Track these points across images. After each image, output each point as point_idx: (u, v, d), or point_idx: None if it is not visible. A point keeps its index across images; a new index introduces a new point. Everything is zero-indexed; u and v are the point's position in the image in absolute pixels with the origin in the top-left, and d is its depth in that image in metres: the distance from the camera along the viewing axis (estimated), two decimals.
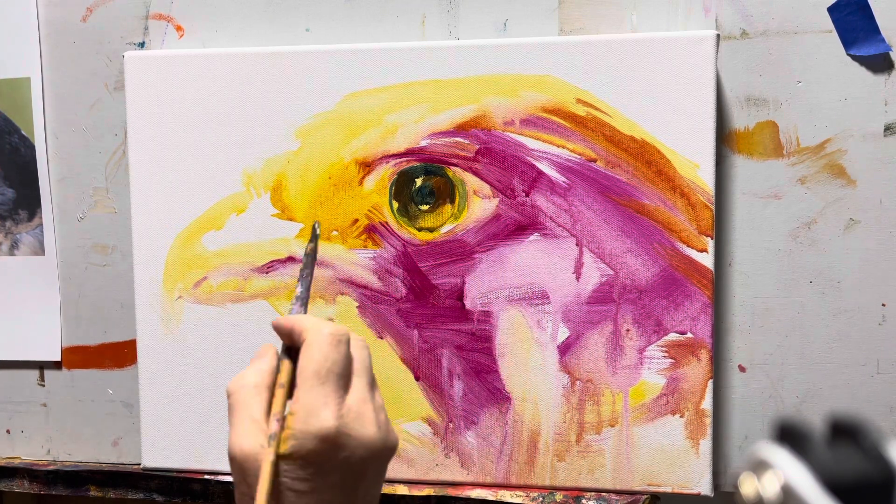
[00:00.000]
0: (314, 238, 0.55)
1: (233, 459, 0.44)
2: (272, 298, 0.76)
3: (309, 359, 0.45)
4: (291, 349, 0.48)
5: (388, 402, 0.74)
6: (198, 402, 0.77)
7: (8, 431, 0.85)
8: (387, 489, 0.75)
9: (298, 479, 0.43)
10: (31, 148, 0.82)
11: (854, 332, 0.70)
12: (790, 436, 0.32)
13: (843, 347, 0.70)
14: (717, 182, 0.70)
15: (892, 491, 0.31)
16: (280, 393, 0.46)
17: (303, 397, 0.44)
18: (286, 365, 0.47)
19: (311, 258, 0.55)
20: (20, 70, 0.81)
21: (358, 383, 0.46)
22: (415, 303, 0.74)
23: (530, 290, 0.72)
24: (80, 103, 0.80)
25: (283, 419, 0.44)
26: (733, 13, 0.69)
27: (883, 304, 0.70)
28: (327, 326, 0.46)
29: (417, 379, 0.74)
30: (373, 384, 0.47)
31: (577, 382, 0.72)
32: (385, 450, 0.46)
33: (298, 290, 0.53)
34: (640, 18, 0.71)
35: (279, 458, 0.43)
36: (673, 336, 0.70)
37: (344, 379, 0.45)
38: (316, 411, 0.44)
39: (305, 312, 0.51)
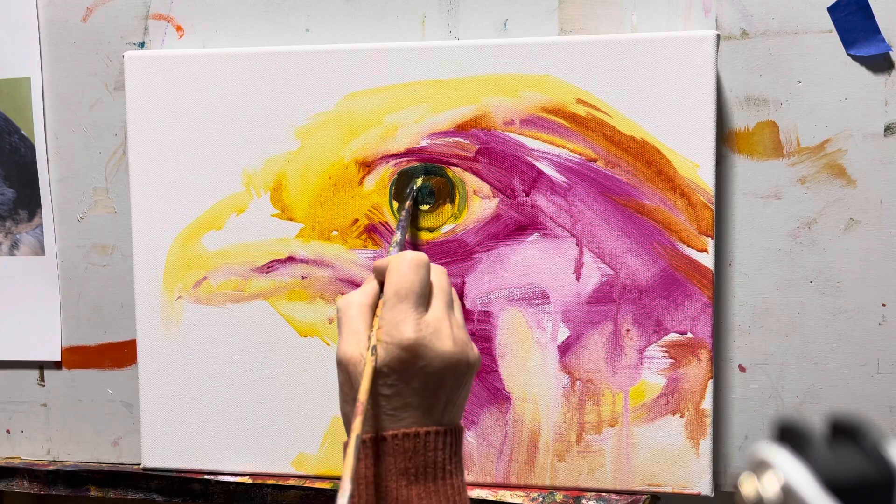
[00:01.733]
0: (410, 196, 0.68)
1: (339, 364, 0.51)
2: (272, 298, 0.76)
3: (390, 282, 0.52)
4: (383, 284, 0.54)
5: None
6: (198, 402, 0.77)
7: (8, 431, 0.85)
8: None
9: (385, 384, 0.50)
10: (31, 148, 0.82)
11: (854, 332, 0.70)
12: (790, 436, 0.32)
13: (843, 347, 0.70)
14: (717, 182, 0.70)
15: (892, 491, 0.31)
16: (379, 313, 0.52)
17: (387, 314, 0.51)
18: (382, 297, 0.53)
19: (409, 212, 0.67)
20: (20, 70, 0.81)
21: (435, 303, 0.52)
22: None
23: (530, 290, 0.72)
24: (80, 103, 0.80)
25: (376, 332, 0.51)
26: (733, 13, 0.69)
27: (883, 304, 0.70)
28: (407, 254, 0.53)
29: None
30: (451, 305, 0.53)
31: (578, 382, 0.72)
32: (461, 363, 0.51)
33: (397, 237, 0.65)
34: (640, 18, 0.71)
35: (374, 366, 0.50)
36: (673, 336, 0.70)
37: (423, 298, 0.51)
38: (397, 325, 0.50)
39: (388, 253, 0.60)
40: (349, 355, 0.51)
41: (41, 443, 0.85)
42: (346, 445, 0.50)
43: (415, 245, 0.73)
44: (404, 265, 0.52)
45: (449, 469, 0.50)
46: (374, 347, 0.50)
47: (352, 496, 0.46)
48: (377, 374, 0.50)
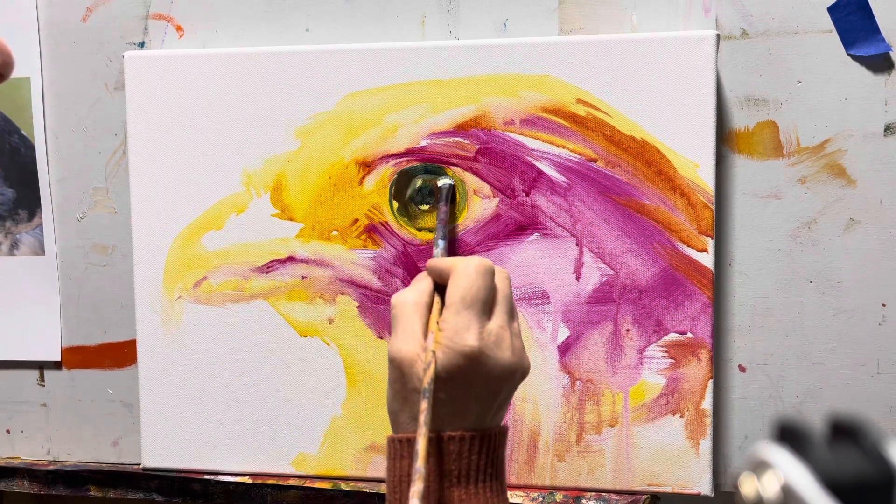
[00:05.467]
0: (446, 198, 0.69)
1: (392, 361, 0.51)
2: (272, 298, 0.76)
3: (456, 286, 0.51)
4: (438, 286, 0.54)
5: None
6: (198, 402, 0.77)
7: (8, 431, 0.85)
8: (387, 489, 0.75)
9: (442, 388, 0.50)
10: (31, 148, 0.82)
11: (854, 332, 0.70)
12: (790, 436, 0.32)
13: (843, 347, 0.70)
14: (717, 182, 0.70)
15: (892, 491, 0.31)
16: (436, 317, 0.52)
17: (450, 319, 0.50)
18: (437, 299, 0.53)
19: (448, 208, 0.68)
20: (20, 70, 0.81)
21: (498, 311, 0.52)
22: None
23: (530, 290, 0.72)
24: (80, 103, 0.80)
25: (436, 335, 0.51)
26: (733, 13, 0.69)
27: (883, 304, 0.70)
28: (474, 260, 0.52)
29: None
30: (511, 313, 0.53)
31: (577, 382, 0.72)
32: (518, 373, 0.52)
33: (440, 238, 0.64)
34: (640, 18, 0.71)
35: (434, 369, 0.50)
36: (673, 336, 0.70)
37: (487, 305, 0.51)
38: (461, 332, 0.50)
39: (444, 252, 0.61)
40: (405, 353, 0.50)
41: (41, 443, 0.85)
42: (392, 441, 0.52)
43: (412, 246, 0.73)
44: (471, 270, 0.51)
45: (490, 472, 0.50)
46: (434, 352, 0.50)
47: (423, 495, 0.46)
48: (436, 377, 0.50)
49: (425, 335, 0.51)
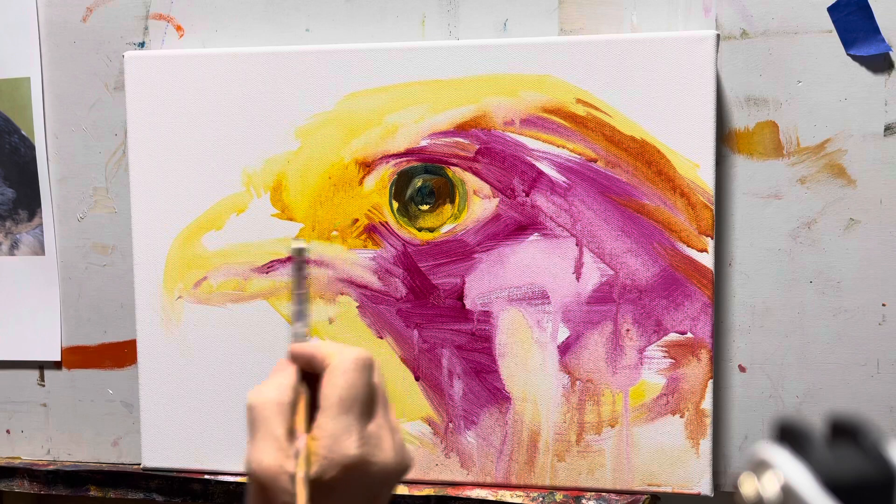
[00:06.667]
0: (299, 260, 0.52)
1: (251, 474, 0.44)
2: (272, 298, 0.76)
3: (333, 386, 0.45)
4: (308, 373, 0.47)
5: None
6: (198, 402, 0.77)
7: (8, 431, 0.85)
8: None
9: (315, 499, 0.44)
10: (31, 148, 0.82)
11: (854, 332, 0.70)
12: (790, 436, 0.32)
13: (843, 347, 0.70)
14: (717, 182, 0.70)
15: (892, 491, 0.31)
16: (302, 416, 0.45)
17: (328, 424, 0.44)
18: (305, 390, 0.47)
19: (299, 280, 0.52)
20: (20, 70, 0.81)
21: (378, 407, 0.46)
22: (415, 303, 0.74)
23: (530, 290, 0.72)
24: (80, 103, 0.80)
25: (309, 442, 0.44)
26: (733, 13, 0.69)
27: (883, 304, 0.70)
28: (352, 352, 0.46)
29: (417, 379, 0.74)
30: (387, 406, 0.47)
31: (577, 382, 0.72)
32: (400, 472, 0.46)
33: (301, 315, 0.51)
34: (640, 18, 0.71)
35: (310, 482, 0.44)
36: (673, 336, 0.70)
37: (367, 406, 0.45)
38: (340, 440, 0.44)
39: (309, 335, 0.51)
40: (266, 465, 0.43)
41: (41, 443, 0.85)
42: None
43: (412, 246, 0.73)
44: (350, 366, 0.45)
45: None
46: (300, 456, 0.44)
47: None
48: (313, 490, 0.44)
49: (290, 441, 0.44)
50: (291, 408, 0.45)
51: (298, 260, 0.51)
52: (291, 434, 0.44)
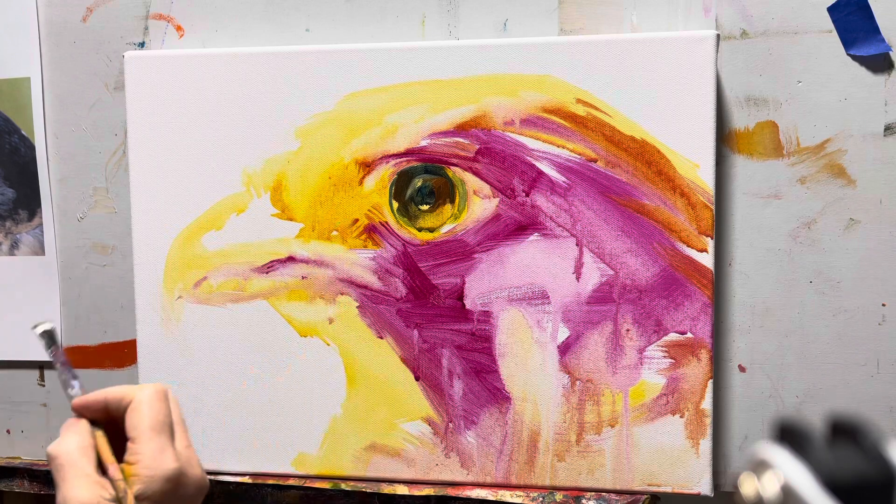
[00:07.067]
0: (51, 341, 0.57)
1: None
2: (272, 298, 0.76)
3: (141, 416, 0.50)
4: (98, 421, 0.52)
5: (388, 402, 0.74)
6: (198, 402, 0.77)
7: (8, 431, 0.85)
8: (387, 489, 0.75)
9: None
10: (31, 148, 0.82)
11: (854, 332, 0.70)
12: (790, 436, 0.32)
13: (843, 347, 0.70)
14: (717, 182, 0.70)
15: (892, 491, 0.31)
16: (107, 450, 0.51)
17: (144, 447, 0.50)
18: (102, 434, 0.51)
19: (54, 357, 0.57)
20: (20, 70, 0.81)
21: (179, 431, 0.52)
22: (415, 303, 0.74)
23: (530, 290, 0.72)
24: (80, 103, 0.80)
25: (125, 467, 0.50)
26: (733, 13, 0.69)
27: (883, 304, 0.70)
28: (150, 387, 0.52)
29: (417, 379, 0.74)
30: (185, 430, 0.53)
31: (577, 382, 0.72)
32: (206, 488, 0.52)
33: (71, 378, 0.56)
34: (640, 18, 0.71)
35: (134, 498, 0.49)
36: (673, 336, 0.70)
37: (170, 427, 0.52)
38: (158, 457, 0.49)
39: (83, 391, 0.55)
40: (83, 500, 0.47)
41: (41, 443, 0.85)
42: None
43: (412, 246, 0.73)
44: (152, 397, 0.51)
45: None
46: (122, 483, 0.49)
47: None
48: None
49: (100, 476, 0.49)
50: (93, 450, 0.50)
51: (47, 342, 0.57)
52: (99, 471, 0.49)
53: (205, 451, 0.78)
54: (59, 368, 0.56)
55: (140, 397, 0.51)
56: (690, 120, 0.68)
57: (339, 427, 0.75)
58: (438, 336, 0.74)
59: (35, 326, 0.56)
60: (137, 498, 0.48)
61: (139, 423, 0.50)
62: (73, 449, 0.50)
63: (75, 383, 0.56)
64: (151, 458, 0.49)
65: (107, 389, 0.53)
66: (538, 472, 0.73)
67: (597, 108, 0.70)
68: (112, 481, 0.49)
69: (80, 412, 0.53)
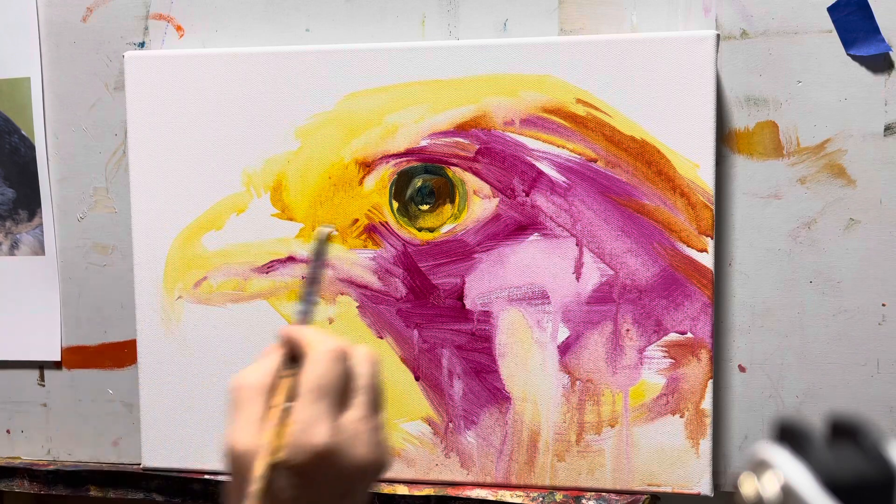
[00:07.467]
0: (321, 246, 0.54)
1: (227, 454, 0.45)
2: (272, 298, 0.76)
3: (308, 374, 0.46)
4: (295, 356, 0.48)
5: (388, 402, 0.74)
6: (198, 402, 0.77)
7: (8, 431, 0.85)
8: (387, 489, 0.75)
9: (288, 486, 0.44)
10: (31, 148, 0.82)
11: (854, 332, 0.70)
12: (790, 436, 0.32)
13: (843, 347, 0.70)
14: (717, 182, 0.70)
15: (892, 491, 0.31)
16: (281, 401, 0.46)
17: (300, 411, 0.45)
18: (288, 375, 0.47)
19: (317, 266, 0.54)
20: (20, 70, 0.81)
21: (359, 401, 0.46)
22: (415, 303, 0.74)
23: (530, 290, 0.72)
24: (80, 103, 0.80)
25: (280, 426, 0.45)
26: (733, 13, 0.69)
27: (883, 304, 0.70)
28: (328, 342, 0.47)
29: (417, 379, 0.74)
30: (376, 402, 0.47)
31: (577, 382, 0.72)
32: (375, 471, 0.46)
33: (306, 297, 0.53)
34: (640, 18, 0.71)
35: (273, 464, 0.44)
36: (673, 336, 0.70)
37: (341, 396, 0.46)
38: (310, 427, 0.44)
39: (310, 320, 0.52)
40: (245, 447, 0.45)
41: (41, 443, 0.85)
42: None
43: (412, 246, 0.73)
44: (325, 357, 0.46)
45: None
46: (270, 442, 0.45)
47: None
48: (278, 475, 0.44)
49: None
50: (271, 392, 0.46)
51: (321, 243, 0.53)
52: (268, 417, 0.46)
53: (205, 450, 0.78)
54: (307, 279, 0.52)
55: (313, 354, 0.46)
56: (690, 120, 0.68)
57: None
58: (438, 336, 0.74)
59: (320, 228, 0.56)
60: (281, 464, 0.44)
61: (304, 383, 0.45)
62: (251, 386, 0.46)
63: (307, 307, 0.52)
64: (303, 426, 0.44)
65: (304, 332, 0.48)
66: (538, 472, 0.73)
67: (597, 108, 0.70)
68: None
69: (280, 342, 0.48)
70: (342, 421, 0.45)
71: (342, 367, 0.46)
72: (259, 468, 0.44)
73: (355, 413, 0.46)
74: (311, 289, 0.52)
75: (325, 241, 0.54)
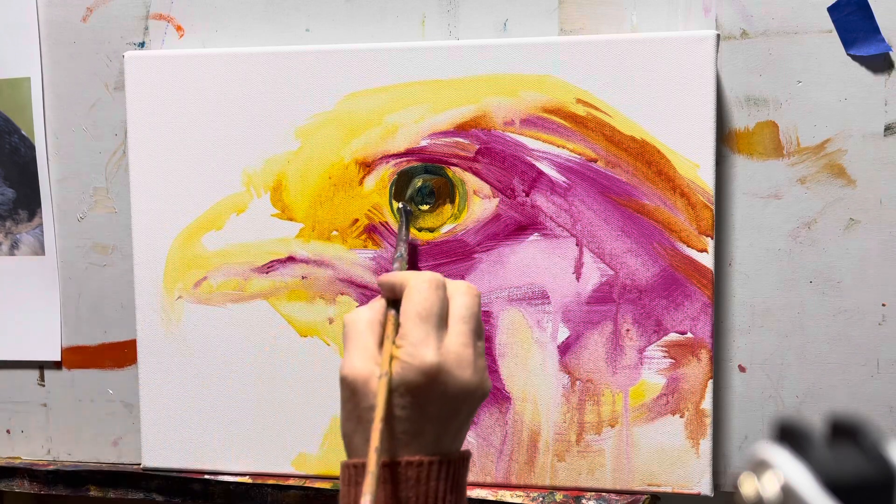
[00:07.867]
0: (401, 215, 0.68)
1: (344, 380, 0.49)
2: (272, 298, 0.76)
3: (411, 302, 0.50)
4: (392, 302, 0.53)
5: None
6: (198, 402, 0.77)
7: (8, 431, 0.85)
8: None
9: (399, 405, 0.48)
10: (31, 148, 0.82)
11: (854, 332, 0.70)
12: (790, 436, 0.32)
13: (843, 347, 0.70)
14: (717, 182, 0.70)
15: (892, 491, 0.31)
16: (391, 332, 0.51)
17: (408, 334, 0.49)
18: (391, 314, 0.52)
19: (409, 220, 0.68)
20: (20, 70, 0.81)
21: (460, 328, 0.50)
22: None
23: (530, 290, 0.72)
24: (80, 103, 0.80)
25: (392, 352, 0.49)
26: (733, 13, 0.69)
27: (883, 304, 0.70)
28: (426, 274, 0.51)
29: None
30: (478, 331, 0.51)
31: (577, 382, 0.72)
32: (479, 393, 0.50)
33: (401, 248, 0.63)
34: (640, 18, 0.71)
35: (390, 384, 0.48)
36: (673, 336, 0.70)
37: (443, 320, 0.50)
38: (419, 346, 0.48)
39: (403, 269, 0.58)
40: (358, 370, 0.49)
41: (41, 443, 0.85)
42: (346, 466, 0.49)
43: (412, 244, 0.73)
44: (425, 285, 0.50)
45: (450, 500, 0.48)
46: (389, 368, 0.48)
47: None
48: (392, 393, 0.48)
49: (379, 352, 0.50)
50: (381, 326, 0.51)
51: (400, 213, 0.70)
52: (381, 347, 0.50)
53: (204, 450, 0.78)
54: (399, 241, 0.62)
55: (412, 283, 0.51)
56: (690, 120, 0.68)
57: (340, 427, 0.75)
58: None
59: (401, 203, 0.69)
60: (395, 383, 0.48)
61: (408, 310, 0.50)
62: (362, 320, 0.51)
63: (399, 260, 0.61)
64: (412, 345, 0.48)
65: (398, 272, 0.53)
66: (538, 472, 0.73)
67: (597, 108, 0.70)
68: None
69: (380, 286, 0.54)
70: (446, 343, 0.49)
71: (442, 293, 0.51)
72: (381, 389, 0.47)
73: (458, 338, 0.49)
74: (401, 245, 0.63)
75: (402, 211, 0.69)
